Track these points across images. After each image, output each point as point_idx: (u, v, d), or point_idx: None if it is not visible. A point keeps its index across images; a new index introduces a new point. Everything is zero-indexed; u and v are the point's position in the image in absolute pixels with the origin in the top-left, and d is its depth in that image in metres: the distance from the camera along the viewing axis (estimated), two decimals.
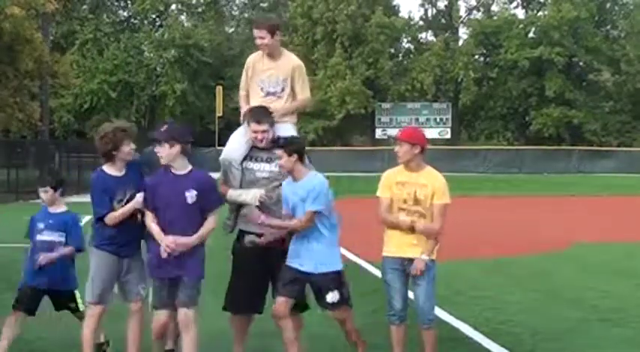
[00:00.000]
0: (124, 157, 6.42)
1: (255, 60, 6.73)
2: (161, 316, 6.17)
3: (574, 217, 22.46)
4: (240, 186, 6.47)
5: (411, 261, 6.37)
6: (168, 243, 6.00)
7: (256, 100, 6.67)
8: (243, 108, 6.74)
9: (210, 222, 6.12)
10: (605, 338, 7.84)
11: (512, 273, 12.14)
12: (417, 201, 6.36)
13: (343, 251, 14.07)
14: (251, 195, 6.37)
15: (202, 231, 6.09)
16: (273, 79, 6.63)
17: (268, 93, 6.65)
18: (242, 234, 6.55)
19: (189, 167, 6.11)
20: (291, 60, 6.71)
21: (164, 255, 6.04)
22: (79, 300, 7.02)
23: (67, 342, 7.19)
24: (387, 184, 6.48)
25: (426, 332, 6.46)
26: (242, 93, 6.87)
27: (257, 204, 6.34)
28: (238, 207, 6.52)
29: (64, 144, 39.89)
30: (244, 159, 6.50)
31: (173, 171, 6.09)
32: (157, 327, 6.21)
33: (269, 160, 6.48)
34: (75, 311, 7.08)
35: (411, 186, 6.38)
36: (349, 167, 47.52)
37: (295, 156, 6.20)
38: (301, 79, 6.67)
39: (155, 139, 6.18)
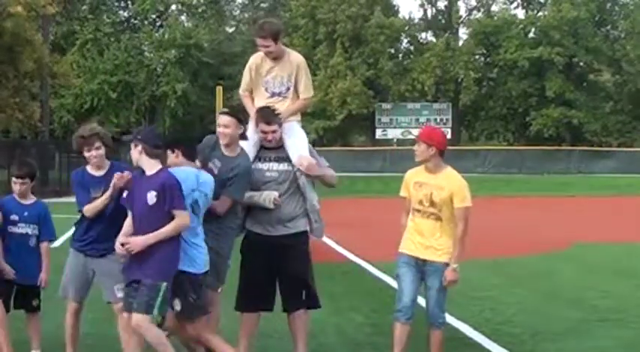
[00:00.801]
0: (88, 161, 6.56)
1: (257, 61, 6.72)
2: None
3: (574, 217, 22.47)
4: (252, 188, 6.48)
5: (425, 262, 6.33)
6: (116, 245, 6.00)
7: (261, 101, 6.69)
8: (251, 109, 6.73)
9: (171, 224, 5.85)
10: (605, 339, 7.83)
11: (512, 273, 12.14)
12: (432, 203, 6.29)
13: (343, 251, 14.20)
14: (263, 197, 6.41)
15: (158, 231, 5.84)
16: (277, 79, 6.65)
17: (273, 94, 6.67)
18: (249, 233, 6.60)
19: (158, 168, 5.95)
20: (294, 58, 6.72)
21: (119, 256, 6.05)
22: (40, 300, 6.96)
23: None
24: (405, 184, 6.46)
25: (434, 332, 6.42)
26: (245, 93, 6.86)
27: (272, 206, 6.38)
28: (248, 207, 6.54)
29: (64, 144, 39.85)
30: (253, 160, 6.54)
31: (145, 172, 6.04)
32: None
33: (277, 160, 6.53)
34: (35, 310, 6.93)
35: (428, 188, 6.30)
36: (349, 167, 47.43)
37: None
38: (304, 77, 6.68)
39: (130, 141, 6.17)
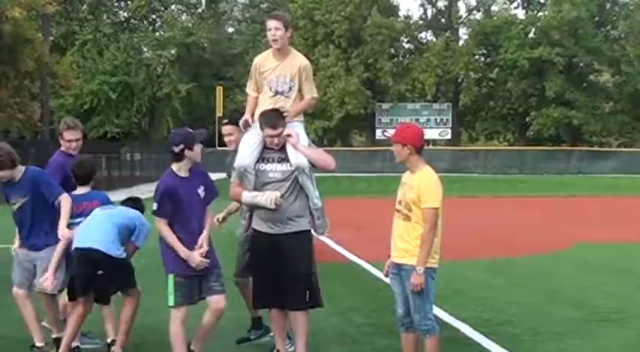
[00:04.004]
0: None
1: (261, 60, 6.78)
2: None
3: (574, 217, 22.45)
4: (255, 188, 6.55)
5: (401, 267, 6.17)
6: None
7: (265, 99, 6.74)
8: (247, 112, 6.83)
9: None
10: (605, 339, 7.83)
11: (512, 273, 12.13)
12: (405, 204, 6.15)
13: (343, 251, 14.18)
14: (266, 197, 6.44)
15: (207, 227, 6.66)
16: (281, 78, 6.68)
17: (277, 93, 6.70)
18: (254, 232, 6.66)
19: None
20: (298, 59, 6.75)
21: None
22: None
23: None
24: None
25: (424, 339, 6.23)
26: (251, 94, 6.88)
27: (273, 207, 6.41)
28: (252, 207, 6.60)
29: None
30: (256, 161, 6.59)
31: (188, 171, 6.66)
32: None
33: (280, 160, 6.55)
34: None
35: (405, 188, 6.20)
36: (349, 167, 47.53)
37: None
38: (308, 79, 6.73)
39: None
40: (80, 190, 7.12)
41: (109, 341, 7.05)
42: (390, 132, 58.13)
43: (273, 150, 6.56)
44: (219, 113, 49.88)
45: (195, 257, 6.30)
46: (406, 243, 6.12)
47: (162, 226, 6.35)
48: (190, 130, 6.77)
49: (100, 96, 54.67)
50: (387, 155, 53.10)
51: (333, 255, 13.72)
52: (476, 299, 9.74)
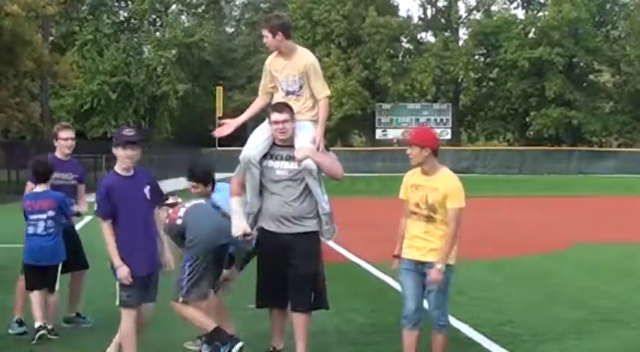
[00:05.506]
0: None
1: (271, 61, 6.77)
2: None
3: (574, 217, 22.46)
4: (262, 186, 6.51)
5: (423, 264, 6.26)
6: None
7: (278, 99, 6.73)
8: (246, 112, 6.85)
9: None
10: (605, 339, 7.83)
11: (512, 273, 12.13)
12: (428, 206, 6.23)
13: (343, 251, 14.17)
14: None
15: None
16: (290, 78, 6.64)
17: (288, 93, 6.66)
18: (261, 230, 6.62)
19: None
20: (303, 57, 6.69)
21: None
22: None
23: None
24: (404, 186, 6.40)
25: (435, 335, 6.36)
26: (260, 93, 6.90)
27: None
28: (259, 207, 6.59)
29: None
30: (264, 157, 6.53)
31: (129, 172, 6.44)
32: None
33: (288, 158, 6.50)
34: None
35: (424, 190, 6.25)
36: (349, 167, 47.39)
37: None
38: (316, 77, 6.61)
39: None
40: (39, 188, 7.22)
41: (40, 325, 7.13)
42: (391, 132, 58.39)
43: (282, 147, 6.50)
44: (219, 113, 49.84)
45: (123, 271, 6.05)
46: (430, 242, 6.26)
47: (104, 228, 6.10)
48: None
49: (100, 96, 54.64)
50: (386, 155, 53.21)
51: (334, 255, 13.70)
52: (476, 299, 9.74)
